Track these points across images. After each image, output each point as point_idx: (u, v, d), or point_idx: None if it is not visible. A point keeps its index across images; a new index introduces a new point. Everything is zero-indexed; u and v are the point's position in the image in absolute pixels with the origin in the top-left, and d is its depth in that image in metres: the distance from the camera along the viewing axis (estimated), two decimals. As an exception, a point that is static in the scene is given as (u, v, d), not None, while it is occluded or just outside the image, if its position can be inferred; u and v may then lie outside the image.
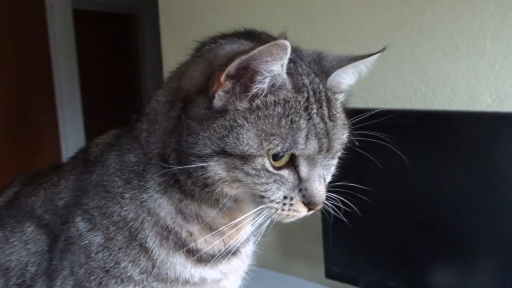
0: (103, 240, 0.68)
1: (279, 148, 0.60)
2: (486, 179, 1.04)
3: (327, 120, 0.64)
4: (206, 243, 0.70)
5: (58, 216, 0.72)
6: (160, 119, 0.68)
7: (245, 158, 0.61)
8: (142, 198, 0.68)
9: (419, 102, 1.28)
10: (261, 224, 0.68)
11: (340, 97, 0.70)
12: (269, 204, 0.64)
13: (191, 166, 0.62)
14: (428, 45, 1.26)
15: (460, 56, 1.21)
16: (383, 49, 0.71)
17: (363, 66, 0.71)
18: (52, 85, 3.15)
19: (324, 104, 0.64)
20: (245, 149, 0.60)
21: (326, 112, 0.64)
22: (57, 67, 3.16)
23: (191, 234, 0.70)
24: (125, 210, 0.68)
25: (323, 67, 0.68)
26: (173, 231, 0.69)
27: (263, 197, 0.64)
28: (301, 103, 0.62)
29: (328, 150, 0.64)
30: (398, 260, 1.21)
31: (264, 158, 0.61)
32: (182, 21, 1.78)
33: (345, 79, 0.71)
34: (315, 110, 0.63)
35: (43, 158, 3.06)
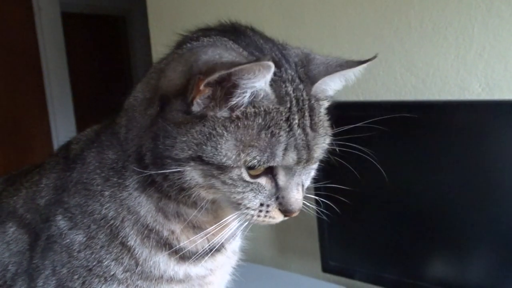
0: (84, 239, 0.67)
1: (255, 161, 0.59)
2: (478, 168, 1.05)
3: (309, 130, 0.62)
4: (189, 241, 0.69)
5: (39, 214, 0.71)
6: (137, 116, 0.66)
7: (222, 168, 0.59)
8: (121, 196, 0.67)
9: (410, 93, 1.29)
10: (240, 226, 0.68)
11: (325, 103, 0.68)
12: (245, 211, 0.63)
13: (167, 170, 0.61)
14: (417, 36, 1.26)
15: (448, 47, 1.22)
16: (374, 57, 0.69)
17: (351, 74, 0.68)
18: (43, 88, 3.13)
19: (307, 113, 0.62)
20: (223, 160, 0.58)
21: (307, 122, 0.62)
22: (47, 70, 3.14)
23: (172, 232, 0.69)
24: (105, 208, 0.67)
25: (309, 72, 0.65)
26: (154, 230, 0.68)
27: (239, 204, 0.63)
28: (283, 114, 0.60)
29: (307, 160, 0.63)
30: (394, 252, 1.21)
31: (241, 169, 0.60)
32: (171, 20, 1.77)
33: (331, 86, 0.69)
34: (296, 121, 0.61)
35: (35, 161, 3.04)
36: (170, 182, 0.63)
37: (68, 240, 0.67)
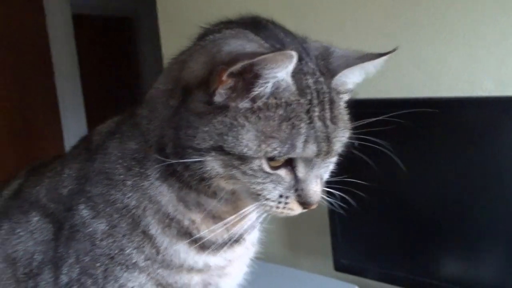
0: (107, 228, 0.68)
1: (276, 152, 0.59)
2: (492, 165, 1.04)
3: (329, 123, 0.63)
4: (209, 231, 0.70)
5: (62, 204, 0.72)
6: (159, 107, 0.67)
7: (243, 158, 0.60)
8: (143, 185, 0.68)
9: (420, 91, 1.28)
10: (259, 217, 0.68)
11: (345, 96, 0.68)
12: (265, 202, 0.64)
13: (187, 160, 0.62)
14: (426, 33, 1.25)
15: (458, 43, 1.21)
16: (394, 50, 0.69)
17: (371, 67, 0.68)
18: (54, 89, 3.16)
19: (327, 106, 0.63)
20: (244, 150, 0.59)
21: (328, 115, 0.63)
22: (58, 71, 3.17)
23: (193, 222, 0.70)
24: (128, 198, 0.68)
25: (329, 64, 0.65)
26: (175, 219, 0.69)
27: (259, 195, 0.64)
28: (304, 105, 0.60)
29: (327, 153, 0.63)
30: (408, 250, 1.20)
31: (261, 160, 0.60)
32: (181, 20, 1.78)
33: (351, 79, 0.69)
34: (317, 113, 0.61)
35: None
36: (191, 172, 0.64)
37: (91, 229, 0.68)
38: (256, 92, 0.59)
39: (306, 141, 0.60)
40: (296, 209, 0.65)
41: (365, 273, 1.28)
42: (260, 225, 0.79)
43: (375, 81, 1.31)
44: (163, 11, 1.85)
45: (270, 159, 0.61)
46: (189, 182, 0.66)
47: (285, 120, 0.59)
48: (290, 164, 0.63)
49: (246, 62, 0.56)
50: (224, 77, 0.58)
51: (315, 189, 0.64)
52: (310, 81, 0.62)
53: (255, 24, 0.67)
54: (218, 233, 0.71)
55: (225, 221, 0.69)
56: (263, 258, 0.84)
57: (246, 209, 0.67)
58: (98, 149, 0.73)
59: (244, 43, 0.61)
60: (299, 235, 1.62)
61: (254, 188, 0.63)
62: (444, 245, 1.13)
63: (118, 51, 4.08)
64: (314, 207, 0.66)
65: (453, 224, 1.11)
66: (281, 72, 0.58)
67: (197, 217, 0.70)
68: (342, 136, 0.65)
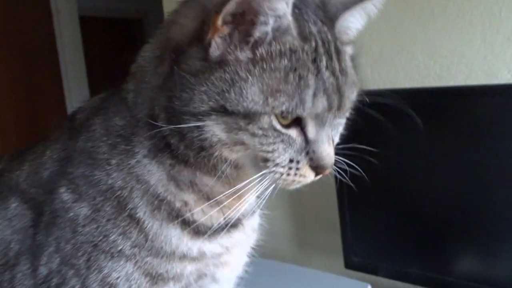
0: (90, 212, 0.62)
1: (284, 107, 0.55)
2: (508, 156, 1.00)
3: (338, 74, 0.58)
4: (203, 213, 0.64)
5: (43, 188, 0.66)
6: (147, 77, 0.62)
7: (250, 116, 0.55)
8: (129, 164, 0.62)
9: (434, 82, 1.24)
10: (264, 192, 0.61)
11: (349, 49, 0.64)
12: (274, 168, 0.59)
13: (184, 125, 0.56)
14: (441, 23, 1.22)
15: (474, 32, 1.17)
16: None
17: (371, 5, 0.64)
18: (61, 90, 3.17)
19: (334, 55, 0.58)
20: (250, 105, 0.54)
21: (336, 65, 0.58)
22: (65, 72, 3.18)
23: (186, 203, 0.64)
24: (112, 178, 0.62)
25: (328, 12, 0.61)
26: (165, 200, 0.63)
27: (267, 160, 0.58)
28: (309, 54, 0.56)
29: (338, 108, 0.59)
30: (420, 247, 1.17)
31: (271, 116, 0.55)
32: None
33: (353, 23, 0.65)
34: (324, 63, 0.57)
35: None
36: (187, 142, 0.59)
37: (72, 214, 0.63)
38: (257, 35, 0.54)
39: (315, 95, 0.56)
40: (308, 176, 0.61)
41: (376, 270, 1.24)
42: (260, 210, 0.73)
43: (388, 73, 1.29)
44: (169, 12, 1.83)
45: (280, 116, 0.56)
46: (185, 155, 0.61)
47: (291, 71, 0.55)
48: (299, 124, 0.58)
49: None
50: (219, 22, 0.53)
51: (328, 150, 0.60)
52: (313, 28, 0.58)
53: None
54: (213, 217, 0.66)
55: (220, 200, 0.64)
56: (273, 256, 0.80)
57: (248, 180, 0.61)
58: (81, 127, 0.68)
59: None
60: (309, 233, 1.58)
61: (265, 150, 0.57)
62: (458, 241, 1.10)
63: (126, 52, 4.08)
64: (327, 172, 0.62)
65: (468, 219, 1.07)
66: (281, 2, 0.53)
67: (190, 198, 0.64)
68: (352, 93, 0.61)
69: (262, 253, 0.79)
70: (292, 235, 1.61)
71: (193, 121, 0.56)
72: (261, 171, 0.60)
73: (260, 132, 0.56)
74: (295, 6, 0.56)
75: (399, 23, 1.28)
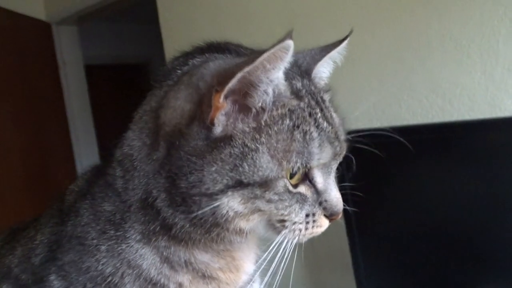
0: None
1: (298, 165, 0.55)
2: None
3: (331, 121, 0.60)
4: None
5: (34, 274, 0.65)
6: (138, 165, 0.60)
7: (267, 184, 0.55)
8: (120, 249, 0.61)
9: (437, 115, 1.24)
10: (284, 250, 0.61)
11: (328, 95, 0.66)
12: (293, 227, 0.59)
13: (205, 209, 0.55)
14: (439, 56, 1.22)
15: (473, 64, 1.17)
16: (350, 33, 0.69)
17: (336, 53, 0.67)
18: (69, 139, 3.20)
19: (323, 105, 0.60)
20: (265, 173, 0.54)
21: (328, 114, 0.60)
22: (73, 122, 3.21)
23: (180, 285, 0.62)
24: (102, 264, 0.61)
25: (301, 67, 0.63)
26: (158, 284, 0.61)
27: (284, 221, 0.58)
28: (305, 109, 0.57)
29: (340, 153, 0.61)
30: (434, 283, 1.13)
31: (284, 179, 0.56)
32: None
33: (324, 72, 0.68)
34: (319, 114, 0.58)
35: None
36: (196, 220, 0.57)
37: None
38: (259, 105, 0.55)
39: (320, 145, 0.57)
40: (324, 225, 0.62)
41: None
42: (261, 278, 0.71)
43: (391, 108, 1.29)
44: (171, 55, 1.86)
45: (291, 177, 0.57)
46: (189, 233, 0.59)
47: (295, 129, 0.56)
48: (306, 178, 0.59)
49: (246, 69, 0.51)
50: (221, 101, 0.53)
51: (338, 195, 0.61)
52: (299, 84, 0.59)
53: (216, 48, 0.64)
54: None
55: (217, 277, 0.63)
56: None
57: (276, 240, 0.60)
58: (69, 211, 0.67)
59: (221, 62, 0.57)
60: (321, 274, 1.54)
61: (281, 213, 0.58)
62: (472, 273, 1.07)
63: (131, 97, 4.14)
64: (339, 217, 0.62)
65: (477, 249, 1.05)
66: (279, 72, 0.54)
67: (184, 279, 0.62)
68: (344, 134, 0.63)
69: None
70: (304, 278, 1.57)
71: (206, 201, 0.55)
72: (279, 233, 0.60)
73: (276, 197, 0.56)
74: None
75: (397, 56, 1.29)
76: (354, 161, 0.71)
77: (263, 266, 0.65)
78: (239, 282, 0.64)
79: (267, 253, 0.62)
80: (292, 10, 1.50)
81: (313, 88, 0.61)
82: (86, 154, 3.30)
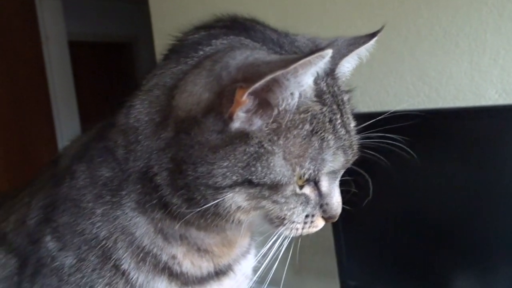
0: (75, 261, 0.61)
1: (310, 172, 0.54)
2: (499, 176, 1.00)
3: (348, 128, 0.58)
4: (192, 265, 0.63)
5: (29, 236, 0.65)
6: (143, 140, 0.59)
7: (277, 187, 0.54)
8: (115, 215, 0.61)
9: (423, 103, 1.25)
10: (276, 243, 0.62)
11: (348, 96, 0.63)
12: (291, 226, 0.59)
13: (211, 202, 0.54)
14: (428, 44, 1.23)
15: (461, 53, 1.19)
16: (381, 28, 0.65)
17: (364, 50, 0.64)
18: (51, 117, 3.15)
19: (343, 110, 0.58)
20: (277, 178, 0.53)
21: (347, 120, 0.59)
22: (55, 99, 3.16)
23: (173, 257, 0.62)
24: (97, 227, 0.61)
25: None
26: (151, 253, 0.61)
27: (284, 219, 0.58)
28: (326, 114, 0.55)
29: (351, 160, 0.60)
30: (415, 269, 1.16)
31: (294, 184, 0.55)
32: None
33: (348, 68, 0.65)
34: (339, 121, 0.57)
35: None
36: (200, 210, 0.57)
37: (57, 263, 0.62)
38: (282, 107, 0.52)
39: (334, 153, 0.56)
40: (320, 225, 0.62)
41: (374, 293, 1.23)
42: (255, 251, 0.73)
43: (378, 95, 1.30)
44: (159, 36, 1.84)
45: (300, 179, 0.56)
46: (186, 216, 0.58)
47: (314, 135, 0.54)
48: (313, 180, 0.58)
49: (278, 72, 0.48)
50: (244, 97, 0.50)
51: (339, 200, 0.61)
52: (323, 85, 0.57)
53: (241, 27, 0.61)
54: (203, 267, 0.64)
55: (211, 250, 0.63)
56: (265, 281, 0.79)
57: (275, 235, 0.61)
58: (65, 173, 0.66)
59: (249, 53, 0.53)
60: (303, 256, 1.56)
61: (284, 214, 0.58)
62: (455, 263, 1.09)
63: (115, 77, 4.08)
64: (336, 219, 0.62)
65: (463, 239, 1.07)
66: (310, 77, 0.52)
67: (178, 251, 0.63)
68: (357, 141, 0.61)
69: (257, 278, 0.78)
70: (286, 259, 1.58)
71: (212, 194, 0.54)
72: (276, 227, 0.60)
73: (283, 200, 0.56)
74: None
75: (387, 44, 1.29)
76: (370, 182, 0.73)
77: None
78: (232, 255, 0.65)
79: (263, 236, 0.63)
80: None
81: (336, 89, 0.59)
82: (68, 130, 3.25)
